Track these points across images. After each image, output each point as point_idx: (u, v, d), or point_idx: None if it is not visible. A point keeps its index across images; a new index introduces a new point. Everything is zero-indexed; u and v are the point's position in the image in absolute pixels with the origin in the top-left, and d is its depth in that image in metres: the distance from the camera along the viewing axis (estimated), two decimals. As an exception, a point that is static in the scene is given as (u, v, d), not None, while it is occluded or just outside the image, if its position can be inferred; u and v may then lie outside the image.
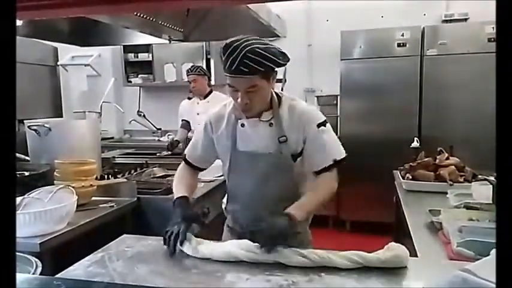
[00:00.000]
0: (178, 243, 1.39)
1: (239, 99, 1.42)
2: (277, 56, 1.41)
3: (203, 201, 2.37)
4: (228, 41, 1.38)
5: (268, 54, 1.37)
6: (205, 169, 1.78)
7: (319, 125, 1.53)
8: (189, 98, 4.53)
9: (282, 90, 4.99)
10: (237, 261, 1.31)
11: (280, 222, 1.35)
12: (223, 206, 1.79)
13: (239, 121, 1.56)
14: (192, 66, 4.06)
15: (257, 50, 1.35)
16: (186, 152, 1.76)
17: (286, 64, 1.46)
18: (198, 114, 3.97)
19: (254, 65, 1.35)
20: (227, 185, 1.69)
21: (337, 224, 4.49)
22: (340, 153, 1.57)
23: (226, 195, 1.75)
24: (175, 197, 1.57)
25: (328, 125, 1.57)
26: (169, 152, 3.78)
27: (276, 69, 1.46)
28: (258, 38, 1.41)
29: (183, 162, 1.76)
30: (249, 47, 1.34)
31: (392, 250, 1.27)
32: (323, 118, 1.57)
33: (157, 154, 3.74)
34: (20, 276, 1.05)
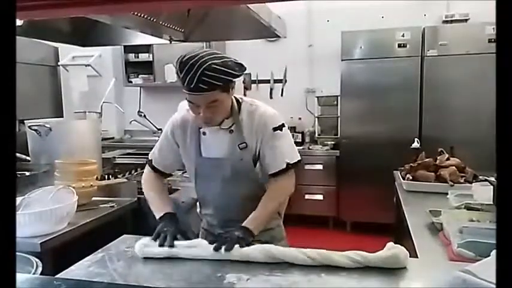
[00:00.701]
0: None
1: (201, 114, 1.44)
2: (234, 68, 1.41)
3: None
4: (182, 58, 1.38)
5: (224, 69, 1.37)
6: (171, 175, 1.82)
7: (274, 129, 1.55)
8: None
9: (282, 90, 4.99)
10: (237, 261, 1.31)
11: (239, 233, 1.41)
12: (198, 210, 1.81)
13: (200, 130, 1.58)
14: None
15: (213, 66, 1.35)
16: (151, 157, 1.73)
17: (243, 74, 1.48)
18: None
19: (212, 81, 1.36)
20: (196, 190, 1.70)
21: (337, 225, 4.49)
22: (293, 157, 1.59)
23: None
24: (162, 213, 1.55)
25: (285, 129, 1.58)
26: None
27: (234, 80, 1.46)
28: (212, 52, 1.41)
29: (149, 167, 1.73)
30: (206, 64, 1.34)
31: (391, 249, 1.27)
32: (280, 122, 1.57)
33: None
34: (20, 276, 1.05)
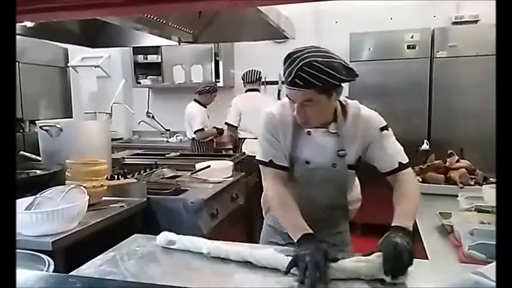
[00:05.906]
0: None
1: (295, 112, 1.39)
2: (339, 71, 1.33)
3: (212, 202, 2.37)
4: (290, 50, 1.34)
5: (327, 69, 1.29)
6: (288, 169, 1.56)
7: (381, 129, 1.50)
8: (196, 101, 4.55)
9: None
10: (248, 261, 1.31)
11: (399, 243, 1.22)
12: (262, 203, 1.76)
13: (305, 129, 1.49)
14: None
15: (314, 63, 1.28)
16: (268, 157, 1.54)
17: (351, 80, 1.40)
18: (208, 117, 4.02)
19: (309, 78, 1.29)
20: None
21: (346, 227, 4.47)
22: (404, 157, 1.53)
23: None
24: (299, 235, 1.31)
25: (390, 129, 1.53)
26: (178, 153, 3.80)
27: (342, 84, 1.38)
28: (321, 50, 1.34)
29: (272, 170, 1.54)
30: (306, 60, 1.29)
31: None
32: (385, 123, 1.53)
33: (166, 155, 3.76)
34: (35, 274, 1.06)
